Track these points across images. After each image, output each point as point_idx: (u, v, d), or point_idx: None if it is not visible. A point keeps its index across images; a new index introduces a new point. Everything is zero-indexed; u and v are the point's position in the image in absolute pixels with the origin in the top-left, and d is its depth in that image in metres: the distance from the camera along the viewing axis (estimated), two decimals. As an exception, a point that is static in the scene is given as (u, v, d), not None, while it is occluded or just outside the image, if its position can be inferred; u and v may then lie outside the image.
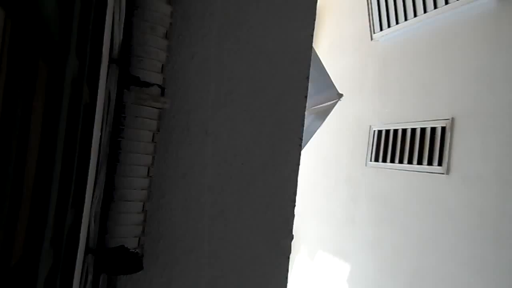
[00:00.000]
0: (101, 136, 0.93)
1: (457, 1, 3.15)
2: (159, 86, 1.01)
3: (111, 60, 0.93)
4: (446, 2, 3.25)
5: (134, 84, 0.98)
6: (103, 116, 0.93)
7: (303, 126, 1.31)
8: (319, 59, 2.67)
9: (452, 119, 3.15)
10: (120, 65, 0.96)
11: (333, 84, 2.80)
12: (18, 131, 0.31)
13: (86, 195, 0.70)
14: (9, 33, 0.28)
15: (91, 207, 0.88)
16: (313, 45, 1.38)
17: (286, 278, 1.26)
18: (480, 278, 2.78)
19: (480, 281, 2.77)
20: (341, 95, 2.77)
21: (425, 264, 3.25)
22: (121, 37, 0.94)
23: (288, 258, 1.26)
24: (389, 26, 3.95)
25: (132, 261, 0.96)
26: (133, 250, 0.96)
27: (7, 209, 0.30)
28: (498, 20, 2.91)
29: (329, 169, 4.75)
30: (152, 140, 1.00)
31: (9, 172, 0.29)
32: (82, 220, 0.66)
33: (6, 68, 0.27)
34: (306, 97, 1.32)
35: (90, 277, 0.91)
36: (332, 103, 2.77)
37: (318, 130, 2.91)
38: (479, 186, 2.87)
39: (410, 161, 3.51)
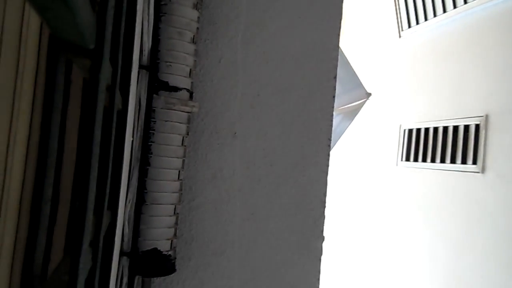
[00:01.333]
0: (132, 141, 0.95)
1: (489, -6, 3.06)
2: (187, 90, 1.03)
3: (141, 66, 0.95)
4: (477, -4, 3.16)
5: (163, 89, 0.99)
6: (134, 121, 0.95)
7: (331, 126, 1.30)
8: (346, 58, 2.64)
9: (486, 116, 3.05)
10: (150, 70, 0.98)
11: (361, 83, 2.76)
12: (55, 137, 0.32)
13: (120, 199, 0.72)
14: (46, 40, 0.29)
15: (124, 211, 0.90)
16: (340, 44, 1.37)
17: (318, 280, 1.25)
18: (520, 280, 2.68)
19: (520, 283, 2.67)
20: (369, 94, 2.73)
21: (462, 266, 3.15)
22: (150, 44, 0.96)
23: (320, 259, 1.25)
24: (417, 23, 3.87)
25: (165, 264, 0.97)
26: (166, 253, 0.98)
27: (47, 214, 0.31)
28: (533, 12, 2.80)
29: (359, 169, 4.68)
30: (182, 143, 1.01)
31: (48, 176, 0.30)
32: (117, 223, 0.68)
33: (44, 76, 0.28)
34: (334, 97, 1.31)
35: (125, 280, 0.93)
36: (361, 103, 2.73)
37: (347, 130, 2.88)
38: (516, 185, 2.77)
39: (442, 160, 3.42)
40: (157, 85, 0.99)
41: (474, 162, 3.11)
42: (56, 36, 0.28)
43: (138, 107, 0.96)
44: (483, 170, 3.04)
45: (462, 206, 3.20)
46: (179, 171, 1.01)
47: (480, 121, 3.10)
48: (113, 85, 0.46)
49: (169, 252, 0.98)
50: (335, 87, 1.32)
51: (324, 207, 1.27)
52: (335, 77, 1.31)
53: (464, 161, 3.21)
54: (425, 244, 3.54)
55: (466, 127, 3.23)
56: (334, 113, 1.34)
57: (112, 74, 0.45)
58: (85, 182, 0.33)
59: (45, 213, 0.29)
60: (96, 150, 0.34)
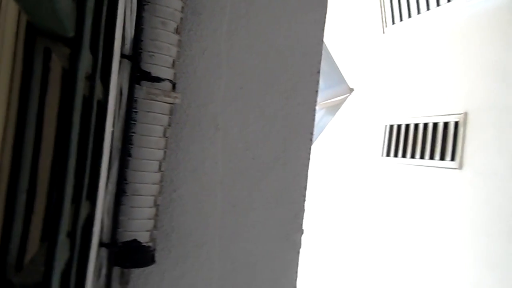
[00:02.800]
0: (113, 131, 0.94)
1: (471, -6, 3.10)
2: (170, 81, 1.02)
3: (122, 56, 0.93)
4: (460, -5, 3.20)
5: (146, 79, 0.98)
6: (115, 111, 0.94)
7: (314, 120, 1.31)
8: (330, 53, 2.65)
9: (465, 113, 3.12)
10: (132, 60, 0.97)
11: (344, 79, 2.78)
12: (32, 126, 0.32)
13: (99, 189, 0.71)
14: (23, 28, 0.28)
15: (104, 201, 0.89)
16: (324, 39, 1.37)
17: (297, 272, 1.27)
18: (493, 272, 2.75)
19: (493, 274, 2.75)
20: (352, 90, 2.75)
21: (439, 259, 3.22)
22: (133, 33, 0.95)
23: (299, 252, 1.27)
24: (401, 19, 3.91)
25: (144, 255, 0.97)
26: (146, 244, 0.97)
27: (23, 203, 0.30)
28: (511, 14, 2.86)
29: (340, 163, 4.73)
30: (164, 135, 1.01)
31: (24, 166, 0.30)
32: (96, 214, 0.67)
33: (21, 63, 0.28)
34: (317, 91, 1.32)
35: (103, 270, 0.92)
36: (343, 98, 2.75)
37: (329, 125, 2.90)
38: (492, 181, 2.84)
39: (422, 156, 3.48)
40: (139, 75, 0.97)
41: (453, 159, 3.18)
42: (34, 23, 0.28)
43: (120, 97, 0.95)
44: (460, 166, 3.11)
45: (440, 201, 3.27)
46: (160, 163, 1.00)
47: (459, 119, 3.16)
48: (93, 74, 0.45)
49: (149, 244, 0.98)
50: (318, 81, 1.33)
51: (304, 200, 1.28)
52: (318, 72, 1.32)
53: (442, 157, 3.28)
54: (404, 238, 3.61)
55: (446, 124, 3.29)
56: (317, 107, 1.35)
57: (93, 63, 0.45)
58: (62, 172, 0.32)
59: (20, 202, 0.29)
60: (74, 139, 0.33)
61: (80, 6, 0.32)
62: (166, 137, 1.02)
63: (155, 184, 1.00)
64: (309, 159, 1.29)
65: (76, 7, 0.32)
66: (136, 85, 0.97)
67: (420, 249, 3.42)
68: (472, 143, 3.04)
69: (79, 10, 0.32)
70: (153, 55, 0.99)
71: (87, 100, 0.48)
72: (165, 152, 1.02)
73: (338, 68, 2.70)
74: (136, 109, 0.97)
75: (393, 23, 4.03)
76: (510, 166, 2.73)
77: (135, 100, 0.97)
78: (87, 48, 0.38)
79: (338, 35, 5.09)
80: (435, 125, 3.39)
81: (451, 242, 3.13)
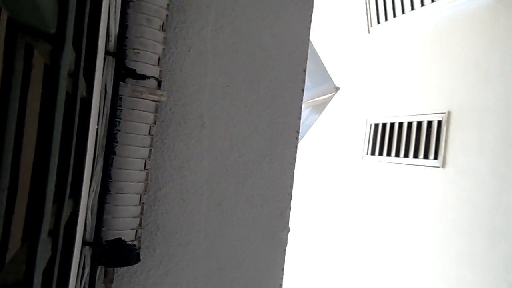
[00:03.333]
0: (97, 129, 0.92)
1: (455, -6, 3.15)
2: (155, 78, 1.01)
3: (107, 53, 0.92)
4: (444, -5, 3.25)
5: (131, 77, 0.97)
6: (99, 109, 0.93)
7: (300, 119, 1.31)
8: (316, 52, 2.67)
9: (448, 113, 3.16)
10: (116, 57, 0.96)
11: (330, 78, 2.80)
12: (14, 123, 0.31)
13: (83, 188, 0.70)
14: (4, 25, 0.28)
15: (88, 200, 0.88)
16: (310, 38, 1.38)
17: (283, 270, 1.27)
18: (475, 270, 2.81)
19: (475, 273, 2.80)
20: (338, 88, 2.77)
21: (421, 257, 3.27)
22: (117, 30, 0.94)
23: (285, 250, 1.27)
24: (386, 19, 3.95)
25: (129, 254, 0.96)
26: (130, 243, 0.97)
27: (4, 202, 0.30)
28: (494, 15, 2.91)
29: (325, 162, 4.76)
30: (149, 133, 1.00)
31: (5, 164, 0.30)
32: (79, 212, 0.66)
33: (2, 61, 0.27)
34: (303, 90, 1.32)
35: (87, 269, 0.91)
36: (329, 96, 2.77)
37: (315, 123, 2.92)
38: (474, 180, 2.89)
39: (406, 155, 3.53)
40: (124, 73, 0.97)
41: (436, 157, 3.22)
42: (15, 19, 0.27)
43: (104, 94, 0.94)
44: (443, 165, 3.15)
45: (423, 199, 3.32)
46: (146, 161, 1.00)
47: (442, 118, 3.21)
48: (76, 71, 0.44)
49: (134, 242, 0.97)
50: (304, 80, 1.33)
51: (291, 198, 1.29)
52: (304, 70, 1.32)
53: (426, 156, 3.32)
54: (386, 235, 3.66)
55: (429, 123, 3.33)
56: (302, 106, 1.36)
57: (76, 59, 0.44)
58: (44, 170, 0.32)
59: (1, 201, 0.29)
60: (56, 137, 0.33)
61: (62, 2, 0.31)
62: (152, 135, 1.01)
63: (140, 182, 0.99)
64: (295, 157, 1.29)
65: (59, 3, 0.31)
66: (121, 83, 0.96)
67: (403, 246, 3.46)
68: (455, 142, 3.09)
69: (61, 6, 0.31)
70: (138, 53, 0.98)
71: (70, 97, 0.47)
72: (150, 150, 1.01)
73: (324, 67, 2.72)
74: (121, 106, 0.96)
75: (378, 22, 4.07)
76: (491, 165, 2.78)
77: (120, 98, 0.96)
78: (70, 44, 0.38)
79: (324, 34, 5.12)
80: (419, 124, 3.43)
81: (433, 240, 3.18)
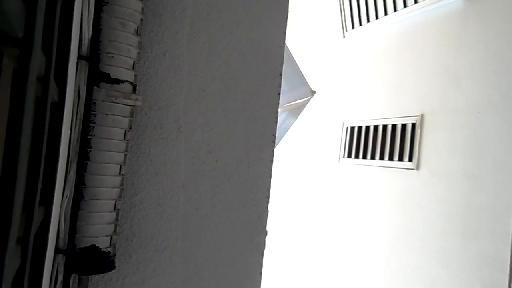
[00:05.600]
0: (70, 134, 0.91)
1: (426, 1, 3.23)
2: (130, 83, 1.00)
3: (80, 57, 0.91)
4: (416, 1, 3.33)
5: (105, 81, 0.96)
6: (72, 114, 0.91)
7: (276, 122, 1.32)
8: (292, 56, 2.69)
9: (422, 115, 3.24)
10: (90, 61, 0.95)
11: (306, 81, 2.83)
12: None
13: (55, 194, 0.69)
14: (-31, 28, 0.27)
15: (61, 206, 0.86)
16: (286, 42, 1.39)
17: (261, 274, 1.27)
18: (448, 270, 2.87)
19: (448, 272, 2.87)
20: (314, 92, 2.80)
21: (396, 257, 3.33)
22: (91, 33, 0.93)
23: (263, 254, 1.27)
24: (360, 24, 4.02)
25: (103, 261, 0.95)
26: (105, 250, 0.95)
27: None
28: (464, 20, 3.00)
29: (302, 165, 4.79)
30: (124, 137, 0.99)
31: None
32: (51, 219, 0.65)
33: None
34: (279, 94, 1.33)
35: (60, 278, 0.89)
36: (305, 100, 2.79)
37: (291, 127, 2.94)
38: (447, 181, 2.96)
39: (381, 157, 3.59)
40: (98, 77, 0.95)
41: (410, 160, 3.29)
42: (-20, 22, 0.27)
43: (77, 99, 0.93)
44: (418, 167, 3.22)
45: (398, 201, 3.38)
46: (121, 166, 0.98)
47: (416, 120, 3.28)
48: (46, 75, 0.44)
49: (108, 249, 0.96)
50: (280, 84, 1.34)
51: (268, 202, 1.29)
52: (280, 74, 1.33)
53: (401, 158, 3.39)
54: (363, 237, 3.70)
55: (403, 126, 3.40)
56: (279, 110, 1.37)
57: (46, 64, 0.43)
58: (12, 177, 0.31)
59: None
60: (24, 142, 0.32)
61: (30, 6, 0.31)
62: (127, 140, 1.00)
63: (115, 188, 0.98)
64: (272, 161, 1.30)
65: (26, 8, 0.31)
66: (95, 87, 0.95)
67: (380, 247, 3.51)
68: (428, 144, 3.16)
69: (29, 10, 0.31)
70: (112, 57, 0.97)
71: (41, 102, 0.47)
72: (125, 155, 1.00)
73: (300, 71, 2.75)
74: (95, 111, 0.95)
75: (353, 27, 4.14)
76: (463, 166, 2.86)
77: (94, 102, 0.95)
78: (38, 48, 0.37)
79: (300, 39, 5.17)
80: (394, 126, 3.50)
81: (409, 240, 3.24)
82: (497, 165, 2.65)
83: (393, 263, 3.35)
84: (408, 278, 3.20)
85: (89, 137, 0.94)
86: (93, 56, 0.94)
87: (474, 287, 2.70)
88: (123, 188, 1.01)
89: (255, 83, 1.27)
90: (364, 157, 3.80)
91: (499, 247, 2.57)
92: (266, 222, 1.29)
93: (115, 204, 0.98)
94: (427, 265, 3.05)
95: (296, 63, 2.71)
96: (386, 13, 3.66)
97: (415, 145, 3.26)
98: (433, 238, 3.02)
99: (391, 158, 3.48)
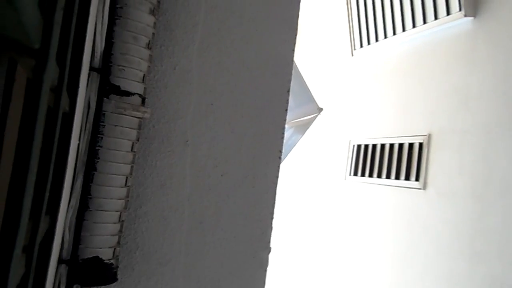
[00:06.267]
0: (79, 145, 0.92)
1: (435, 21, 3.25)
2: (139, 95, 1.01)
3: (92, 69, 0.92)
4: (425, 22, 3.35)
5: (115, 93, 0.97)
6: (82, 124, 0.92)
7: (283, 138, 1.32)
8: (300, 73, 2.71)
9: (429, 135, 3.23)
10: (101, 73, 0.96)
11: (314, 98, 2.84)
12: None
13: (61, 204, 0.69)
14: (-13, 39, 0.28)
15: (66, 216, 0.86)
16: (295, 59, 1.40)
17: (263, 290, 1.26)
18: (454, 293, 2.82)
19: (455, 295, 2.81)
20: (321, 109, 2.81)
21: (401, 279, 3.28)
22: (103, 46, 0.94)
23: (266, 270, 1.26)
24: (369, 43, 4.04)
25: (106, 272, 0.94)
26: (108, 261, 0.95)
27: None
28: (473, 40, 3.01)
29: (308, 182, 4.77)
30: (131, 149, 0.99)
31: (-18, 178, 0.29)
32: (56, 229, 0.65)
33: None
34: (286, 110, 1.34)
35: (62, 288, 0.89)
36: (312, 117, 2.80)
37: (298, 144, 2.94)
38: (454, 202, 2.93)
39: (388, 176, 3.57)
40: (108, 89, 0.96)
41: (417, 179, 3.27)
42: (-1, 33, 0.28)
43: (87, 110, 0.94)
44: (424, 186, 3.20)
45: (404, 221, 3.34)
46: (127, 177, 0.99)
47: (423, 140, 3.27)
48: (59, 86, 0.44)
49: (111, 261, 0.96)
50: (287, 100, 1.35)
51: (272, 218, 1.29)
52: (288, 91, 1.34)
53: (407, 178, 3.37)
54: (369, 256, 3.66)
55: (411, 145, 3.39)
56: (286, 126, 1.37)
57: (59, 75, 0.44)
58: (21, 185, 0.31)
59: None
60: (35, 151, 0.33)
61: (47, 18, 0.32)
62: (134, 152, 1.00)
63: (120, 199, 0.98)
64: (277, 177, 1.30)
65: (44, 20, 0.32)
66: (105, 99, 0.96)
67: (385, 268, 3.46)
68: (436, 164, 3.14)
69: (46, 22, 0.32)
70: (123, 69, 0.98)
71: (52, 112, 0.47)
72: (132, 167, 1.00)
73: (308, 88, 2.76)
74: (103, 122, 0.96)
75: (361, 46, 4.16)
76: (470, 187, 2.83)
77: (103, 114, 0.96)
78: (53, 60, 0.38)
79: (308, 56, 5.20)
80: (401, 146, 3.49)
81: (415, 261, 3.19)
82: (506, 186, 2.62)
83: (398, 285, 3.30)
84: (413, 300, 3.15)
85: (97, 147, 0.95)
86: (104, 68, 0.96)
87: (481, 312, 2.65)
88: (128, 200, 1.01)
89: (263, 98, 1.28)
90: (371, 175, 3.78)
91: (507, 270, 2.53)
92: (270, 238, 1.28)
93: (120, 215, 0.98)
94: (434, 286, 3.00)
95: (304, 80, 2.73)
96: (394, 33, 3.68)
97: (422, 164, 3.24)
98: (440, 260, 2.98)
99: (397, 177, 3.46)
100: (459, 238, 2.85)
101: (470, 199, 2.82)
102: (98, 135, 0.95)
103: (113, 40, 0.96)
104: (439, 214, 3.03)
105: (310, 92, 2.78)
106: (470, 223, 2.79)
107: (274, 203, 1.28)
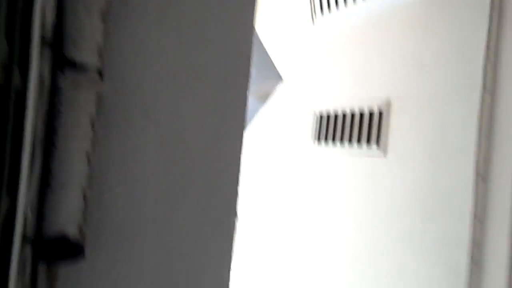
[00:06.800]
0: (36, 123, 0.89)
1: (392, -12, 3.29)
2: (96, 69, 0.98)
3: (44, 43, 0.89)
4: (382, -11, 3.38)
5: (70, 68, 0.94)
6: (37, 101, 0.89)
7: (246, 109, 1.33)
8: (261, 42, 2.69)
9: (388, 102, 3.32)
10: (54, 48, 0.92)
11: (276, 68, 2.84)
12: None
13: (21, 183, 0.68)
14: None
15: (27, 195, 0.85)
16: (256, 28, 1.39)
17: (231, 257, 1.29)
18: (413, 250, 2.99)
19: (415, 252, 2.98)
20: (283, 79, 2.82)
21: (363, 240, 3.43)
22: (54, 19, 0.90)
23: (233, 237, 1.29)
24: (329, 11, 4.05)
25: (73, 249, 0.94)
26: (74, 238, 0.94)
27: None
28: (429, 7, 3.07)
29: (271, 151, 4.83)
30: (91, 125, 0.98)
31: None
32: (18, 209, 0.64)
33: None
34: (249, 80, 1.34)
35: (28, 268, 0.88)
36: (275, 86, 2.81)
37: (260, 113, 2.96)
38: (411, 165, 3.06)
39: (350, 143, 3.66)
40: (62, 63, 0.93)
41: (378, 144, 3.38)
42: None
43: (41, 86, 0.90)
44: (385, 152, 3.31)
45: (366, 185, 3.47)
46: (88, 154, 0.97)
47: (383, 107, 3.36)
48: (10, 63, 0.43)
49: (77, 237, 0.95)
50: (250, 70, 1.35)
51: (238, 187, 1.31)
52: (250, 61, 1.34)
53: (369, 144, 3.47)
54: (331, 221, 3.79)
55: (371, 112, 3.48)
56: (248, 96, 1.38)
57: (9, 51, 0.43)
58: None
59: None
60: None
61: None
62: (94, 127, 0.99)
63: (83, 176, 0.97)
64: (242, 146, 1.31)
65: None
66: (60, 74, 0.93)
67: (347, 231, 3.61)
68: (395, 130, 3.25)
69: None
70: (77, 42, 0.95)
71: (4, 90, 0.46)
72: (93, 143, 0.99)
73: (270, 57, 2.76)
74: (60, 99, 0.93)
75: (322, 14, 4.16)
76: (426, 152, 2.96)
77: (59, 90, 0.93)
78: (3, 35, 0.37)
79: (269, 26, 5.16)
80: (362, 113, 3.57)
81: (377, 222, 3.34)
82: (459, 149, 2.76)
83: (361, 245, 3.46)
84: (375, 259, 3.31)
85: (55, 124, 0.93)
86: (57, 42, 0.92)
87: (437, 266, 2.83)
88: (91, 176, 1.00)
89: (225, 69, 1.27)
90: (333, 143, 3.87)
91: (459, 227, 2.70)
92: (236, 206, 1.31)
93: (83, 191, 0.97)
94: (393, 247, 3.16)
95: (266, 50, 2.72)
96: (354, 1, 3.70)
97: (382, 130, 3.34)
98: (398, 220, 3.13)
99: (359, 144, 3.56)
100: (416, 199, 3.00)
101: (426, 162, 2.95)
102: (56, 112, 0.93)
103: (64, 12, 0.92)
104: (398, 177, 3.17)
105: (272, 62, 2.78)
106: (425, 184, 2.93)
107: (239, 172, 1.30)
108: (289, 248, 4.36)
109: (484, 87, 2.67)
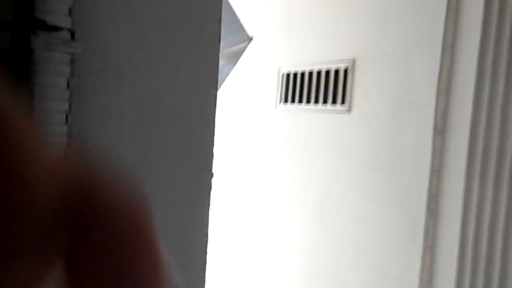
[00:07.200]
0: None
1: None
2: (68, 30, 0.98)
3: (14, 4, 0.87)
4: None
5: (42, 29, 0.94)
6: (9, 63, 0.89)
7: (218, 67, 1.36)
8: (229, 2, 2.67)
9: (354, 60, 3.39)
10: (23, 8, 0.91)
11: (243, 27, 2.83)
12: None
13: None
14: None
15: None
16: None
17: (209, 211, 1.36)
18: (375, 205, 3.17)
19: (377, 205, 3.17)
20: (251, 38, 2.82)
21: (329, 197, 3.59)
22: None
23: (210, 194, 1.35)
24: (295, -32, 4.00)
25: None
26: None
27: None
28: (392, -35, 3.10)
29: (239, 111, 4.87)
30: (67, 86, 0.98)
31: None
32: None
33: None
34: (219, 39, 1.36)
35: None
36: (243, 46, 2.81)
37: (230, 74, 2.97)
38: (375, 122, 3.19)
39: (316, 101, 3.75)
40: (34, 24, 0.92)
41: (343, 102, 3.48)
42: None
43: (14, 48, 0.90)
44: (349, 109, 3.42)
45: (331, 142, 3.59)
46: (67, 115, 0.99)
47: (348, 65, 3.43)
48: None
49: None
50: (220, 29, 1.36)
51: (213, 145, 1.36)
52: (220, 20, 1.35)
53: (334, 102, 3.57)
54: (299, 178, 3.93)
55: (337, 71, 3.55)
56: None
57: None
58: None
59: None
60: None
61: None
62: (70, 89, 0.99)
63: (62, 137, 0.98)
64: (215, 105, 1.35)
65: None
66: (32, 35, 0.92)
67: (313, 187, 3.76)
68: (359, 88, 3.34)
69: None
70: (46, 2, 0.94)
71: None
72: (70, 104, 1.00)
73: (237, 16, 2.74)
74: (34, 60, 0.93)
75: (288, -29, 4.11)
76: (388, 109, 3.09)
77: (32, 51, 0.93)
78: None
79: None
80: (328, 71, 3.64)
81: (342, 178, 3.49)
82: (420, 106, 2.89)
83: (327, 202, 3.62)
84: (340, 214, 3.49)
85: (30, 86, 0.93)
86: (27, 2, 0.91)
87: (397, 217, 3.02)
88: (71, 137, 1.02)
89: (195, 28, 1.28)
90: (300, 102, 3.94)
91: (418, 181, 2.87)
92: (212, 164, 1.36)
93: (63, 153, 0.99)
94: (357, 201, 3.34)
95: (233, 9, 2.70)
96: (319, -43, 3.67)
97: (347, 88, 3.44)
98: (362, 176, 3.29)
99: (325, 102, 3.65)
100: (379, 155, 3.15)
101: (389, 119, 3.08)
102: (31, 74, 0.92)
103: (33, -29, 0.91)
104: (362, 134, 3.30)
105: (240, 20, 2.76)
106: (388, 141, 3.08)
107: (213, 131, 1.35)
108: (253, 203, 4.50)
109: (444, 45, 2.78)
